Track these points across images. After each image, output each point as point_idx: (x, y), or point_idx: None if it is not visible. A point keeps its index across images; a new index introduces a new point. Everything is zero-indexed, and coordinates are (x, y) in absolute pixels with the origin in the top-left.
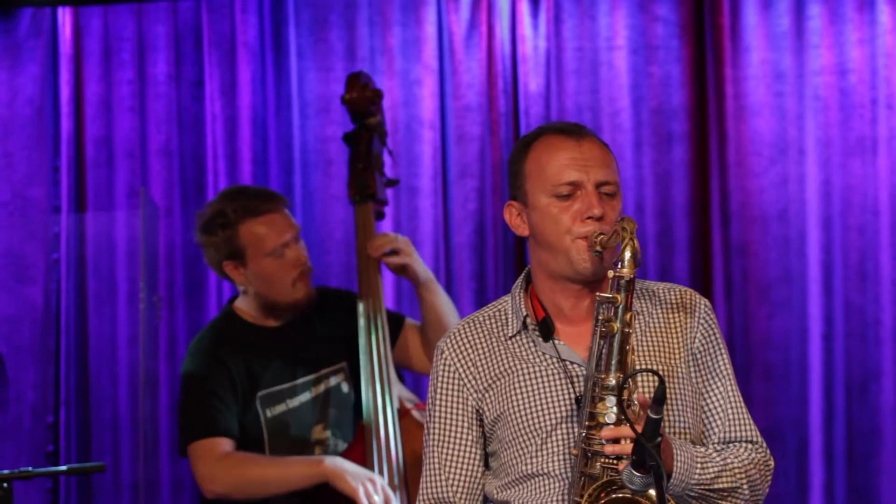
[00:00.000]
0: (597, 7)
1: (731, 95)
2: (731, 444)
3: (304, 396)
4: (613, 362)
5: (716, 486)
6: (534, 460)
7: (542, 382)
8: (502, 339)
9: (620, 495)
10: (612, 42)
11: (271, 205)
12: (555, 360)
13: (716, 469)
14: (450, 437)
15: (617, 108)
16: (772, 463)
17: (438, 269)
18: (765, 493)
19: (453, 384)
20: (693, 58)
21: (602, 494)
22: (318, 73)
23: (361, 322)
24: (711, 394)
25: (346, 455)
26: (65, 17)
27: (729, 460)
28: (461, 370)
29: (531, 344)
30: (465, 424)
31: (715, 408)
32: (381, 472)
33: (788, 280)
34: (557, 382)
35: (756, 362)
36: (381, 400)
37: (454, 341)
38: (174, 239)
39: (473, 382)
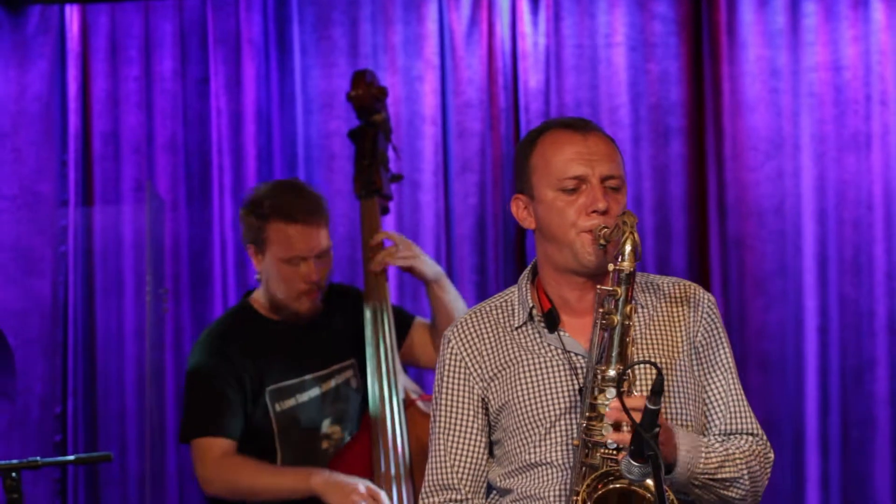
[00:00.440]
0: (596, 5)
1: (728, 91)
2: (731, 436)
3: (314, 392)
4: (614, 354)
5: (719, 476)
6: (537, 450)
7: (547, 373)
8: (508, 329)
9: (618, 485)
10: (610, 39)
11: (307, 217)
12: (559, 351)
13: (719, 458)
14: (456, 424)
15: (615, 104)
16: (772, 455)
17: (440, 263)
18: (764, 485)
19: (460, 373)
20: (690, 55)
21: (600, 486)
22: (322, 70)
23: (367, 315)
24: (713, 386)
25: (351, 445)
26: (72, 14)
27: (731, 450)
28: (467, 359)
29: (536, 335)
30: (471, 413)
31: (716, 400)
32: (386, 462)
33: (784, 273)
34: (561, 373)
35: (752, 354)
36: (387, 391)
37: (461, 331)
38: (180, 232)
39: (479, 371)
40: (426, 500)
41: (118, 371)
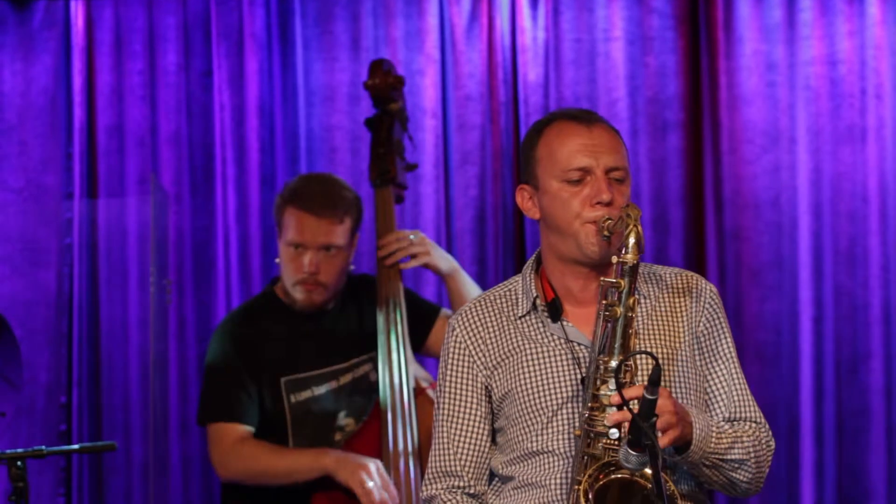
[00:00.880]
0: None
1: (725, 85)
2: (736, 423)
3: (331, 385)
4: (616, 346)
5: (728, 457)
6: (539, 438)
7: (550, 363)
8: (512, 318)
9: (619, 476)
10: (609, 33)
11: (320, 209)
12: (562, 341)
13: (729, 439)
14: (459, 412)
15: (614, 98)
16: (773, 444)
17: None
18: (766, 471)
19: (463, 361)
20: (688, 49)
21: (601, 476)
22: (324, 64)
23: (379, 304)
24: (715, 376)
25: (361, 432)
26: (77, 9)
27: (739, 433)
28: (471, 347)
29: (540, 324)
30: (475, 400)
31: (719, 389)
32: (395, 449)
33: (780, 264)
34: (564, 363)
35: (748, 344)
36: (398, 379)
37: (465, 319)
38: (183, 224)
39: (483, 359)
40: (429, 487)
41: (122, 361)
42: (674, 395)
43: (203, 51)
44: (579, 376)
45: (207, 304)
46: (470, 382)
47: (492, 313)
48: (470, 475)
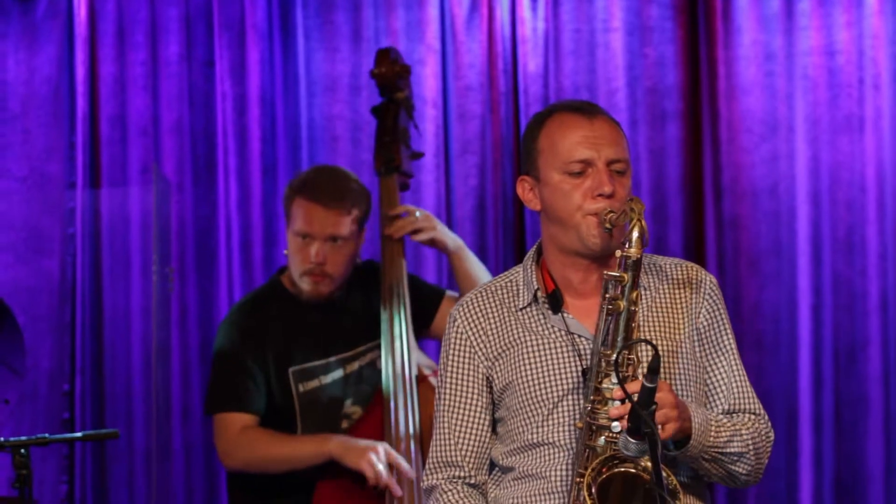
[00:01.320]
0: None
1: (724, 75)
2: (735, 415)
3: (338, 374)
4: (619, 339)
5: (728, 450)
6: (540, 429)
7: (550, 354)
8: (513, 309)
9: (623, 469)
10: (608, 24)
11: (328, 200)
12: (563, 332)
13: (728, 433)
14: (460, 403)
15: (613, 88)
16: (772, 435)
17: None
18: (765, 463)
19: (465, 352)
20: (686, 39)
21: (604, 469)
22: (325, 54)
23: (383, 289)
24: (715, 368)
25: (364, 419)
26: None
27: (738, 426)
28: (472, 338)
29: (541, 316)
30: (475, 391)
31: (719, 381)
32: (397, 436)
33: (778, 253)
34: (565, 355)
35: (747, 333)
36: (401, 366)
37: (466, 310)
38: (185, 213)
39: (484, 351)
40: (430, 477)
41: (125, 349)
42: (674, 387)
43: (205, 41)
44: (580, 368)
45: (209, 292)
46: (471, 373)
47: (493, 304)
48: (471, 465)
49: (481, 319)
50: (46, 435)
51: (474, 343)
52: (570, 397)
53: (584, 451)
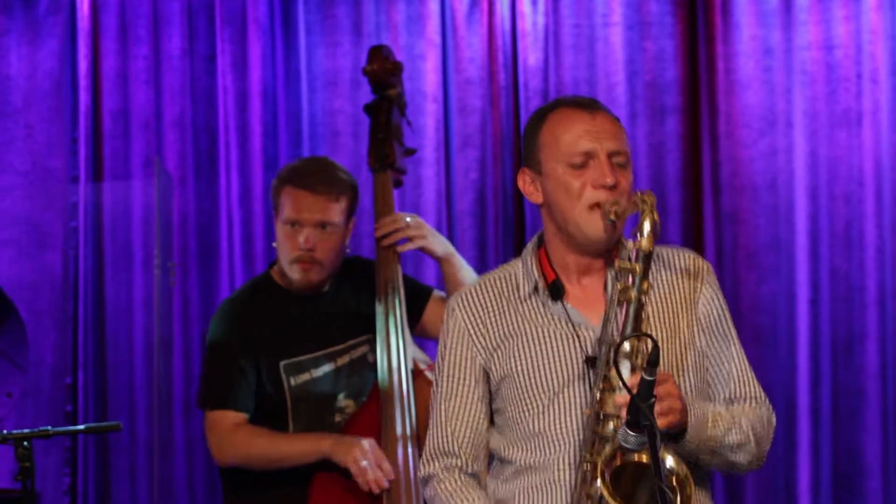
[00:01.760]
0: None
1: (722, 70)
2: (736, 402)
3: (329, 367)
4: (629, 329)
5: (727, 441)
6: (540, 419)
7: (551, 343)
8: (513, 300)
9: (636, 458)
10: (608, 18)
11: (316, 185)
12: (563, 321)
13: (726, 425)
14: (456, 393)
15: (612, 82)
16: (774, 420)
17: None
18: (767, 448)
19: (462, 342)
20: (686, 34)
21: (619, 455)
22: (326, 49)
23: (378, 285)
24: (717, 354)
25: (360, 414)
26: None
27: (737, 416)
28: (471, 329)
29: (541, 306)
30: (472, 381)
31: (720, 367)
32: (392, 431)
33: (777, 247)
34: (566, 344)
35: (745, 326)
36: (396, 361)
37: (465, 301)
38: (187, 207)
39: (482, 342)
40: (427, 466)
41: (127, 342)
42: (679, 375)
43: (207, 35)
44: (581, 357)
45: (211, 285)
46: (468, 363)
47: (492, 295)
48: (467, 454)
49: (480, 311)
50: (49, 428)
51: (472, 334)
52: (570, 386)
53: (592, 438)
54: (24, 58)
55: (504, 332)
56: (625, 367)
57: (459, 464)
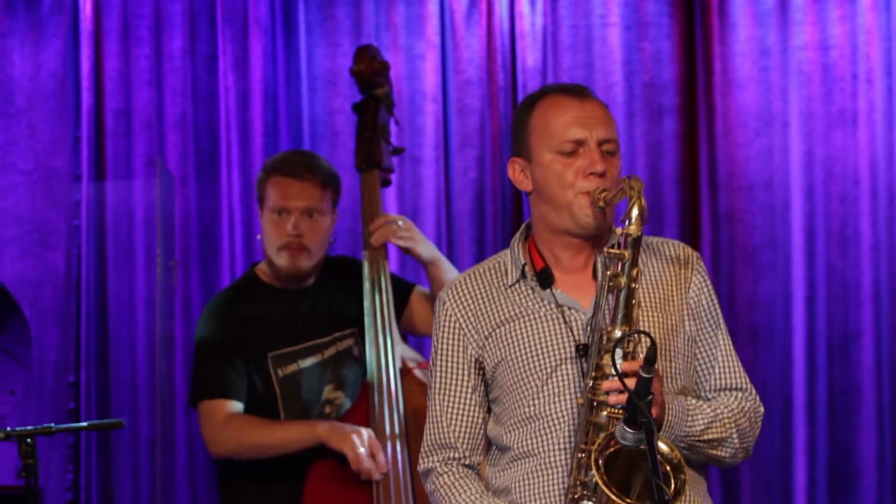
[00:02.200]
0: None
1: (719, 70)
2: (722, 392)
3: (316, 358)
4: (619, 316)
5: (705, 437)
6: (534, 402)
7: (541, 327)
8: (502, 288)
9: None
10: (605, 19)
11: (301, 172)
12: (553, 305)
13: (705, 420)
14: (451, 384)
15: (610, 83)
16: (761, 409)
17: (440, 236)
18: (754, 438)
19: (455, 334)
20: (683, 34)
21: (612, 443)
22: (326, 49)
23: (366, 285)
24: (705, 343)
25: (351, 412)
26: None
27: (719, 411)
28: (462, 320)
29: (530, 291)
30: (466, 372)
31: (707, 356)
32: (382, 428)
33: (773, 246)
34: (556, 327)
35: (742, 324)
36: (384, 359)
37: (455, 292)
38: (189, 206)
39: (474, 332)
40: (425, 460)
41: (129, 340)
42: (671, 363)
43: (208, 36)
44: (572, 340)
45: (213, 284)
46: (461, 355)
47: (482, 285)
48: (465, 446)
49: (470, 300)
50: (52, 425)
51: (464, 325)
52: (562, 368)
53: (586, 427)
54: (27, 58)
55: (496, 320)
56: (617, 355)
57: (457, 456)
